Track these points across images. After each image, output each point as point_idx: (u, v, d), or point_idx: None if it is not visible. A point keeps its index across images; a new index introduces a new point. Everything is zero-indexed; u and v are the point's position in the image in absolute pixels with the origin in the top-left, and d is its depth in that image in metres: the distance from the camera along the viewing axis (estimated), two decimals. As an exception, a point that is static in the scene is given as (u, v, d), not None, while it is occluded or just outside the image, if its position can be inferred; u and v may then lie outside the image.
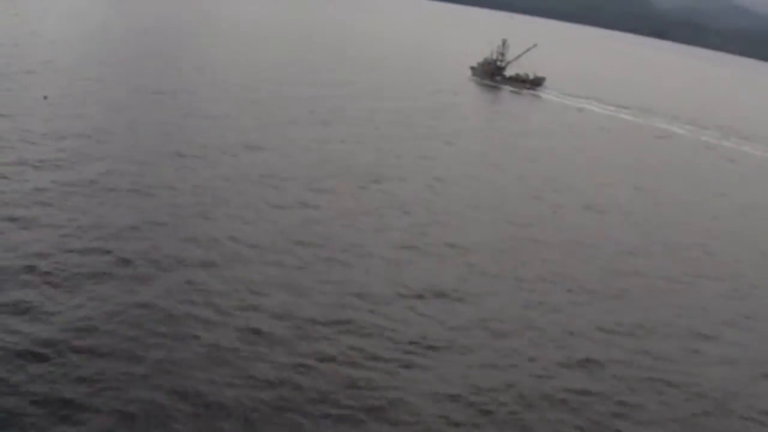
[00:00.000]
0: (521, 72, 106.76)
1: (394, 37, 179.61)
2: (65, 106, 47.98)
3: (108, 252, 25.90)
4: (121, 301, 22.77)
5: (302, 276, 26.59)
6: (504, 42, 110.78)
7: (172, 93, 58.92)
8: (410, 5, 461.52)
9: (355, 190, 39.29)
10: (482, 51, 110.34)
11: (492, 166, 52.17)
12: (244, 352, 21.15)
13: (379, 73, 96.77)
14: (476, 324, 25.40)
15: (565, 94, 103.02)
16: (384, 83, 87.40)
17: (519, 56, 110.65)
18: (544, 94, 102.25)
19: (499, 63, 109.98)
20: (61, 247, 25.94)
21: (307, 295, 25.06)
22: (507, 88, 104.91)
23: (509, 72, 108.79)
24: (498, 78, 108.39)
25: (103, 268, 24.63)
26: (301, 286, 25.63)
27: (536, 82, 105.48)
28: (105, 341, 20.61)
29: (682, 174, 63.07)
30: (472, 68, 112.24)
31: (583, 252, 35.74)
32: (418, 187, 42.59)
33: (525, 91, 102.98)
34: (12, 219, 27.80)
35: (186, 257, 26.54)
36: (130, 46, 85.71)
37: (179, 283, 24.43)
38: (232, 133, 47.92)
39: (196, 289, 24.18)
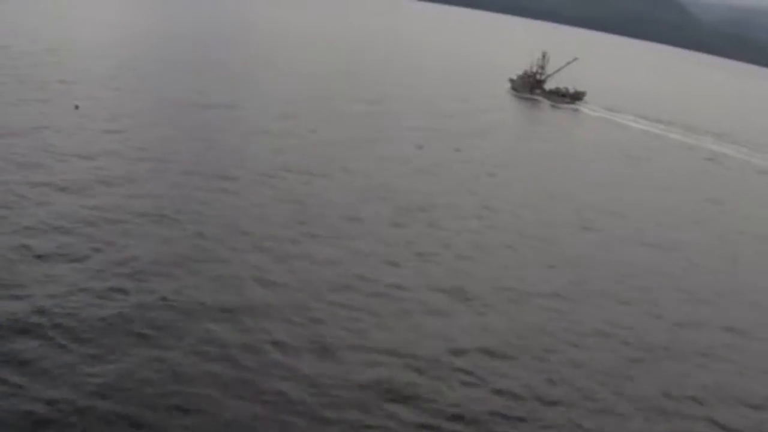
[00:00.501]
0: (561, 86, 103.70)
1: (435, 47, 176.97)
2: (96, 119, 46.20)
3: (125, 293, 23.52)
4: (134, 354, 20.33)
5: (335, 328, 23.71)
6: (544, 55, 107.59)
7: (207, 106, 56.86)
8: (453, 16, 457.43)
9: (396, 220, 36.30)
10: (518, 62, 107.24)
11: (540, 193, 48.31)
12: (268, 425, 18.62)
13: (419, 87, 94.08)
14: (526, 390, 22.38)
15: (607, 109, 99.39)
16: (424, 98, 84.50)
17: (559, 69, 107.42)
18: (585, 108, 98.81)
19: (538, 76, 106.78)
20: (76, 284, 23.65)
21: (339, 354, 22.21)
22: (546, 101, 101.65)
23: (549, 85, 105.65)
24: (537, 91, 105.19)
25: (117, 314, 22.26)
26: (333, 343, 22.76)
27: (576, 97, 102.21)
28: (114, 406, 18.10)
29: (739, 203, 58.52)
30: (511, 80, 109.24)
31: (643, 299, 32.22)
32: (465, 216, 39.36)
33: (564, 106, 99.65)
34: (26, 248, 25.60)
35: (208, 302, 23.90)
36: (167, 54, 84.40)
37: (199, 336, 21.80)
38: (269, 153, 45.42)
39: (216, 344, 21.52)
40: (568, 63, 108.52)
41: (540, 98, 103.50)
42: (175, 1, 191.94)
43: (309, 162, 44.62)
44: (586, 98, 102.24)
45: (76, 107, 49.22)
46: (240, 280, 26.15)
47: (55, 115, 45.27)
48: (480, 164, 53.31)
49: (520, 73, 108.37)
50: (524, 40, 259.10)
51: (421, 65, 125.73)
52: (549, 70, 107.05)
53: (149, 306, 23.01)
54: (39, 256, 25.38)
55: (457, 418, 20.47)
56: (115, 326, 21.67)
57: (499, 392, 22.08)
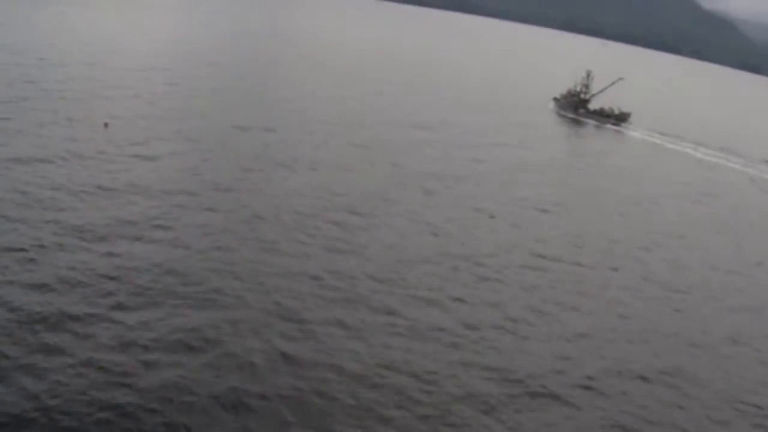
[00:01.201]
0: (606, 106, 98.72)
1: (484, 62, 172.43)
2: (125, 144, 42.81)
3: (134, 374, 19.84)
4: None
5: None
6: (588, 74, 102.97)
7: (243, 128, 53.06)
8: (505, 31, 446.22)
9: (443, 273, 31.91)
10: (563, 79, 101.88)
11: (599, 239, 42.42)
12: None
13: (465, 107, 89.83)
14: None
15: (655, 132, 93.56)
16: (476, 121, 79.58)
17: (604, 89, 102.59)
18: (630, 131, 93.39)
19: (583, 95, 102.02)
20: (79, 359, 20.31)
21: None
22: (591, 122, 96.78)
23: (593, 105, 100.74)
24: (581, 111, 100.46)
25: (121, 405, 18.51)
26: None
27: (621, 118, 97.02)
28: None
29: None
30: (555, 99, 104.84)
31: (729, 382, 27.39)
32: (517, 266, 34.65)
33: (609, 126, 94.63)
34: (22, 309, 22.18)
35: (222, 390, 20.09)
36: (211, 71, 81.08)
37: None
38: (306, 188, 40.82)
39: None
40: (613, 83, 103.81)
41: (584, 119, 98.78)
42: (230, 13, 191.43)
43: (351, 200, 40.14)
44: (631, 119, 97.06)
45: (106, 125, 46.55)
46: (260, 358, 22.16)
47: (82, 139, 42.09)
48: (532, 203, 47.91)
49: (564, 92, 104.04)
50: (571, 56, 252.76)
51: (470, 81, 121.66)
52: (594, 89, 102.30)
53: (157, 394, 19.30)
54: (39, 321, 22.02)
55: None
56: (115, 424, 18.14)
57: None
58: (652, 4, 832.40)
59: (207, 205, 34.81)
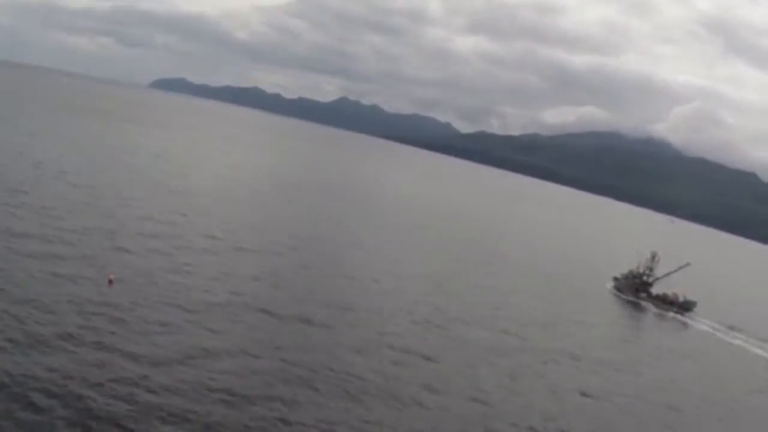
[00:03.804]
0: (669, 291, 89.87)
1: (549, 230, 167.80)
2: (137, 314, 38.16)
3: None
4: None
5: None
6: (654, 255, 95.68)
7: (286, 318, 45.33)
8: (576, 200, 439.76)
9: None
10: (625, 254, 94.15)
11: None
12: None
13: (527, 269, 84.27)
14: None
15: (724, 327, 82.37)
16: (529, 291, 74.00)
17: (669, 273, 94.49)
18: (694, 322, 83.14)
19: (645, 278, 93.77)
20: None
21: None
22: (651, 308, 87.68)
23: (656, 289, 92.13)
24: (643, 295, 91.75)
25: None
26: None
27: (685, 307, 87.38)
28: None
29: None
30: (615, 279, 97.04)
31: None
32: None
33: (672, 315, 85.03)
34: None
35: None
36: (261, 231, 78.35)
37: None
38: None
39: None
40: (680, 267, 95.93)
41: (645, 303, 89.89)
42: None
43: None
44: (696, 309, 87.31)
45: (110, 282, 42.36)
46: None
47: (84, 296, 38.39)
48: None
49: (625, 272, 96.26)
50: (637, 231, 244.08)
51: (533, 245, 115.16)
52: (658, 272, 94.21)
53: None
54: None
55: None
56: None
57: None
58: (724, 184, 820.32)
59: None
